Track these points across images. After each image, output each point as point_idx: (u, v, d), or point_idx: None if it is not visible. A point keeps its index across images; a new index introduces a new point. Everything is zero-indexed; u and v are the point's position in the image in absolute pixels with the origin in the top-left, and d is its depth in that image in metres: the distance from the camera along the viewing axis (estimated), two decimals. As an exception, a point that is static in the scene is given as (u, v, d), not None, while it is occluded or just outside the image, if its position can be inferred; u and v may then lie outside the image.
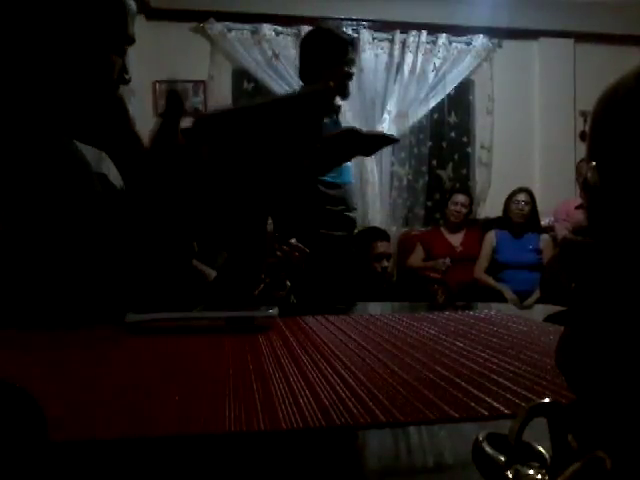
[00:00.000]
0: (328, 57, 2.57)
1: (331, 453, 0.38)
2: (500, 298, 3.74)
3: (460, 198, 4.38)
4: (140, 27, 4.53)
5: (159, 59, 4.40)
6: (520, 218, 4.09)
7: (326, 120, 2.51)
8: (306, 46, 2.67)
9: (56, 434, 0.34)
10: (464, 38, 4.86)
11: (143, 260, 1.01)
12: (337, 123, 2.72)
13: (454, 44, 4.86)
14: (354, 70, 2.66)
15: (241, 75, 4.70)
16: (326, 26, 2.87)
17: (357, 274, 2.85)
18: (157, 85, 4.49)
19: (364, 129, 4.21)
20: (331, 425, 0.40)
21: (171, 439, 0.39)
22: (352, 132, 2.39)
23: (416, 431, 0.41)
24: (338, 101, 2.75)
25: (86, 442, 0.37)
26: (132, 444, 0.38)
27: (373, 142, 2.67)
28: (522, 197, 4.11)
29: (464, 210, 4.37)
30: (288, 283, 1.24)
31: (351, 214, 2.72)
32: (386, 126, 4.71)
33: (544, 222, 4.25)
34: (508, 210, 4.16)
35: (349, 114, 4.37)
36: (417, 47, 4.76)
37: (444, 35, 4.80)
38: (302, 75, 2.68)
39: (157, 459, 0.37)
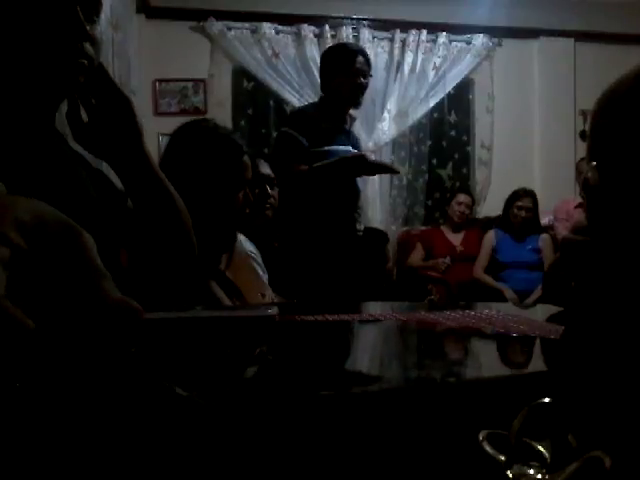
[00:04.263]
0: (335, 68, 2.67)
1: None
2: (500, 297, 3.74)
3: (463, 198, 4.38)
4: (140, 26, 4.58)
5: (159, 58, 4.40)
6: (521, 222, 4.06)
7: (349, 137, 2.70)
8: (321, 60, 2.81)
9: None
10: (464, 37, 4.86)
11: (144, 261, 1.01)
12: (349, 132, 2.81)
13: (454, 43, 4.85)
14: (365, 81, 2.70)
15: (241, 74, 4.69)
16: (343, 42, 3.08)
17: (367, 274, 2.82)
18: (157, 84, 4.49)
19: (365, 127, 4.21)
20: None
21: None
22: (361, 158, 2.45)
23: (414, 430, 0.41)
24: (354, 115, 2.84)
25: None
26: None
27: (377, 168, 2.75)
28: (525, 203, 4.04)
29: (467, 210, 4.38)
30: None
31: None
32: (386, 125, 4.71)
33: (544, 221, 4.25)
34: (510, 213, 4.11)
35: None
36: (417, 46, 4.75)
37: (444, 34, 4.79)
38: (321, 87, 2.78)
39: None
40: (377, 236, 3.76)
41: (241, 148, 1.51)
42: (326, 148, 2.58)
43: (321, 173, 2.52)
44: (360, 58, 2.70)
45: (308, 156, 2.53)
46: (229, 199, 1.44)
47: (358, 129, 4.56)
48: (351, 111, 2.86)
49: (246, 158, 1.52)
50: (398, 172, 3.37)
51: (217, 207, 1.41)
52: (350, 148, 2.71)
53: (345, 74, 2.65)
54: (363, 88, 2.70)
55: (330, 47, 2.99)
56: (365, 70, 2.71)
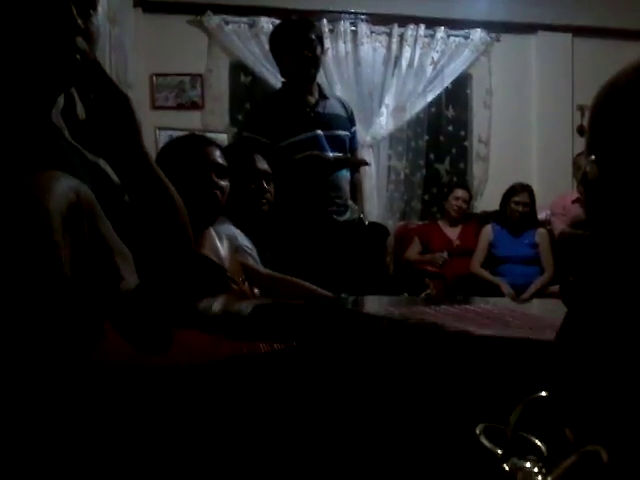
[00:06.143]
0: (280, 47, 2.56)
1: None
2: (497, 292, 3.74)
3: (460, 193, 4.38)
4: (137, 20, 4.57)
5: (156, 52, 4.39)
6: (518, 217, 4.06)
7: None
8: (269, 46, 2.74)
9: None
10: (462, 32, 4.84)
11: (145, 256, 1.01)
12: (314, 114, 2.60)
13: (452, 38, 4.84)
14: (311, 52, 2.51)
15: (238, 68, 4.68)
16: (286, 19, 2.89)
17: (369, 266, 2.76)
18: (154, 78, 4.47)
19: (362, 122, 4.06)
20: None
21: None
22: (313, 158, 2.44)
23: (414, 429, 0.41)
24: (311, 99, 2.64)
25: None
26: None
27: (341, 164, 2.63)
28: (522, 198, 4.03)
29: (464, 205, 4.38)
30: None
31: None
32: (383, 120, 4.70)
33: (541, 216, 4.24)
34: (507, 208, 4.09)
35: (347, 108, 4.36)
36: (415, 41, 4.74)
37: (442, 29, 4.78)
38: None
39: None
40: (378, 230, 3.74)
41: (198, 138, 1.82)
42: (288, 142, 2.47)
43: (289, 180, 2.42)
44: (303, 31, 2.53)
45: (273, 153, 2.40)
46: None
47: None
48: (320, 85, 2.70)
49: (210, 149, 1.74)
50: (367, 164, 3.23)
51: None
52: (319, 132, 2.55)
53: (289, 50, 2.51)
54: (311, 61, 2.52)
55: (272, 30, 2.81)
56: (311, 41, 2.51)
